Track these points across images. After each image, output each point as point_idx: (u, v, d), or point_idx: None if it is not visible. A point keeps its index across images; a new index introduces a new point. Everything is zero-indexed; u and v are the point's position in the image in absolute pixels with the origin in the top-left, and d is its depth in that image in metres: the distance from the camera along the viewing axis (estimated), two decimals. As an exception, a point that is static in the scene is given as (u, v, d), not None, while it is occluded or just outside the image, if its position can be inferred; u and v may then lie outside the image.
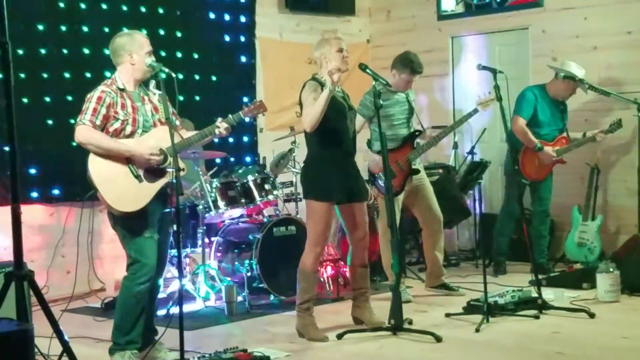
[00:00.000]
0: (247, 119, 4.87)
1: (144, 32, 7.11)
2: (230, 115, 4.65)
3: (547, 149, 6.89)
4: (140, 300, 4.44)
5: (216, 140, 7.57)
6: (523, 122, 6.87)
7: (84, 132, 4.34)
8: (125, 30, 4.86)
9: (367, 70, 5.10)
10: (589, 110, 7.40)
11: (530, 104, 6.92)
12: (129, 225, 4.43)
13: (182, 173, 4.44)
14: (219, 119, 4.62)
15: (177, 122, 4.66)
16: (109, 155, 4.36)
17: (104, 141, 4.35)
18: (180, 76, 7.22)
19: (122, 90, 4.46)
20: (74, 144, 4.46)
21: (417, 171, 6.09)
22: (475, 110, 6.22)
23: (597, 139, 6.98)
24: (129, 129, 4.42)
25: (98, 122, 4.35)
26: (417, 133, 6.16)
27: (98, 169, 4.37)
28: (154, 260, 4.46)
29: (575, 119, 7.31)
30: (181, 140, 4.51)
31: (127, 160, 4.41)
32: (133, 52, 4.47)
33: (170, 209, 4.67)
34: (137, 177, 4.42)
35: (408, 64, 6.06)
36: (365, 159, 6.15)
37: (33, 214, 6.52)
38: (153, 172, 4.44)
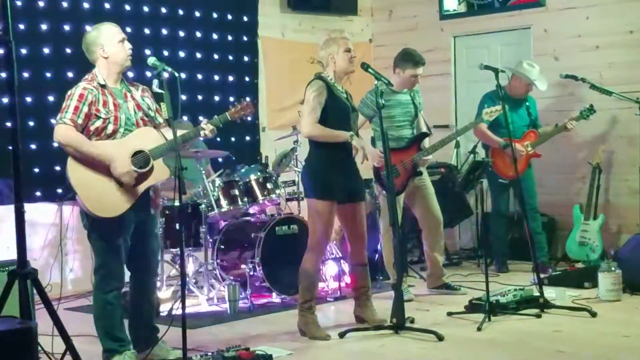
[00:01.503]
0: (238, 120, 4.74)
1: (147, 31, 7.25)
2: (215, 117, 4.53)
3: (514, 144, 6.84)
4: (116, 305, 4.37)
5: (218, 139, 7.63)
6: (483, 126, 6.87)
7: (64, 132, 4.19)
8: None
9: (369, 70, 5.11)
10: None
11: (484, 107, 6.90)
12: (102, 229, 4.31)
13: (166, 176, 4.40)
14: (204, 121, 4.53)
15: (160, 120, 4.55)
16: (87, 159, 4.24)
17: (84, 146, 4.20)
18: (183, 75, 7.24)
19: (103, 86, 4.33)
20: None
21: (420, 173, 6.11)
22: (482, 119, 6.26)
23: (568, 127, 6.98)
24: (110, 127, 4.29)
25: (80, 121, 4.22)
26: (424, 135, 6.16)
27: (78, 172, 4.23)
28: (123, 266, 4.39)
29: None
30: (163, 143, 4.37)
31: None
32: (104, 45, 4.33)
33: (153, 212, 4.56)
34: (118, 181, 4.29)
35: (409, 57, 6.07)
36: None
37: (36, 212, 6.54)
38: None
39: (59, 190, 6.68)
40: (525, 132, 7.03)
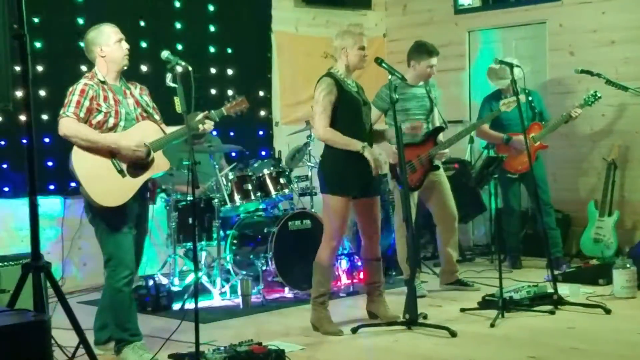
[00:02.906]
0: (233, 115, 4.89)
1: (161, 25, 7.25)
2: (212, 111, 4.65)
3: (517, 137, 6.80)
4: (127, 294, 4.47)
5: (232, 133, 7.64)
6: (485, 126, 6.88)
7: (69, 125, 4.32)
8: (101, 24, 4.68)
9: (383, 64, 5.08)
10: (607, 105, 7.35)
11: (485, 110, 6.93)
12: (107, 220, 4.43)
13: (166, 168, 4.54)
14: (201, 115, 4.63)
15: (157, 117, 4.67)
16: (92, 148, 4.35)
17: (90, 134, 4.34)
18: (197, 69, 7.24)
19: (103, 82, 4.48)
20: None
21: (437, 167, 6.09)
22: (499, 110, 6.24)
23: (573, 115, 6.90)
24: (111, 121, 4.42)
25: (82, 115, 4.36)
26: (439, 129, 6.14)
27: (81, 163, 4.36)
28: (132, 255, 4.49)
29: (592, 113, 7.27)
30: (163, 136, 4.53)
31: (110, 154, 4.40)
32: (102, 44, 4.48)
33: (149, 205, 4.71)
34: (120, 171, 4.42)
35: (423, 49, 6.06)
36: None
37: (50, 206, 6.56)
38: (135, 166, 4.45)
39: (73, 184, 6.71)
40: (529, 126, 6.96)
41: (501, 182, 7.08)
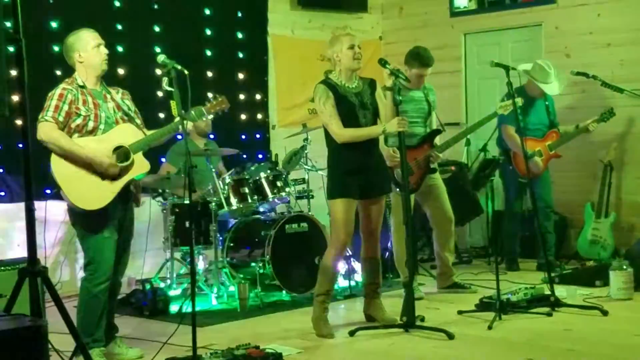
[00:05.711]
0: (210, 116, 4.85)
1: (157, 29, 7.25)
2: (192, 112, 4.63)
3: (536, 159, 6.79)
4: (101, 300, 4.48)
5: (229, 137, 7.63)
6: (512, 130, 6.80)
7: (46, 130, 4.34)
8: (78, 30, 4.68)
9: (387, 66, 5.05)
10: (603, 107, 7.35)
11: (511, 113, 6.86)
12: (88, 223, 4.46)
13: (146, 170, 4.54)
14: (178, 117, 4.56)
15: (138, 121, 4.69)
16: (68, 156, 4.38)
17: (64, 142, 4.36)
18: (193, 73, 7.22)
19: (83, 87, 4.50)
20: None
21: (434, 170, 6.09)
22: (495, 114, 6.24)
23: (590, 129, 6.90)
24: (91, 124, 4.44)
25: (61, 119, 4.38)
26: (436, 132, 6.14)
27: (61, 167, 4.39)
28: (112, 260, 4.49)
29: (593, 115, 7.27)
30: (143, 138, 4.54)
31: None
32: (80, 50, 4.51)
33: (134, 208, 4.71)
34: (100, 174, 4.44)
35: (417, 57, 6.05)
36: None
37: (47, 210, 6.54)
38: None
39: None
40: (546, 133, 6.95)
41: (510, 186, 7.05)
